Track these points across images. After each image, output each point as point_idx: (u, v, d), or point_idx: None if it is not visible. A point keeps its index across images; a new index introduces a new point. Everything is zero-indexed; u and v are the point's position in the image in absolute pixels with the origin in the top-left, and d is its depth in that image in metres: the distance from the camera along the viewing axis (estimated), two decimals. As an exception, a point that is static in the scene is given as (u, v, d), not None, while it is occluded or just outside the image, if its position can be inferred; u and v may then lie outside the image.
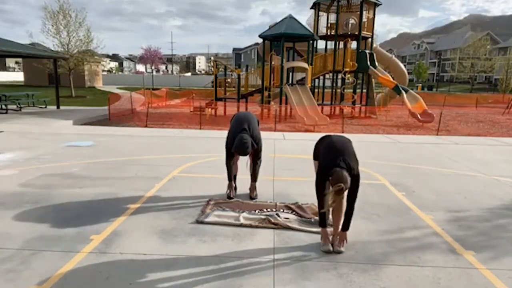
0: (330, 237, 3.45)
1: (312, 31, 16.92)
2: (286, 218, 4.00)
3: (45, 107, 16.78)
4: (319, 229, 3.60)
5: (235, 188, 4.86)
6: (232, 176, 4.74)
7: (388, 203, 4.73)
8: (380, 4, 17.88)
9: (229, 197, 4.70)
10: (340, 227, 3.43)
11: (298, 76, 17.50)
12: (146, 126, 12.29)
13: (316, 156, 3.70)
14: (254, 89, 16.75)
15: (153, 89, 26.87)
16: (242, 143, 4.27)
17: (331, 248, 3.35)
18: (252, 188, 4.80)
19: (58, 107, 16.75)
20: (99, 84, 41.09)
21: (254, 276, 2.92)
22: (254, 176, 4.79)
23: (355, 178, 3.21)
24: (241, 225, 3.85)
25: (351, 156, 3.30)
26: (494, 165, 7.12)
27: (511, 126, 15.87)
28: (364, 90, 18.67)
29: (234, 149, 4.36)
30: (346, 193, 3.24)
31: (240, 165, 4.92)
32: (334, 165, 3.16)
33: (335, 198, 3.07)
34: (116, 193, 4.83)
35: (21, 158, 6.65)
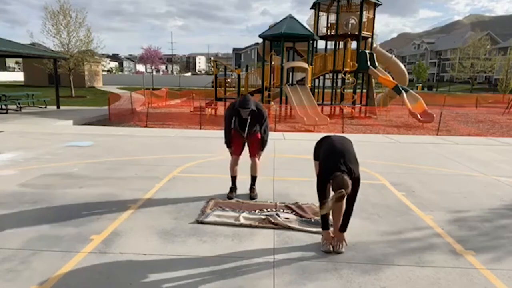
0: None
1: (312, 31, 16.93)
2: (286, 218, 4.00)
3: (45, 107, 16.79)
4: (319, 229, 3.60)
5: (235, 189, 4.87)
6: (230, 142, 4.80)
7: (388, 203, 4.73)
8: (380, 4, 17.89)
9: (229, 198, 4.71)
10: (338, 228, 3.42)
11: (298, 76, 17.50)
12: (146, 126, 12.30)
13: (316, 157, 3.68)
14: (254, 89, 16.76)
15: (153, 89, 26.91)
16: (245, 100, 4.49)
17: (331, 248, 3.35)
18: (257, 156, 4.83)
19: (58, 107, 16.76)
20: (99, 84, 41.07)
21: (254, 276, 2.92)
22: (258, 153, 4.85)
23: (356, 181, 3.19)
24: (241, 225, 3.85)
25: (352, 159, 3.28)
26: (494, 165, 7.12)
27: (511, 126, 15.88)
28: (364, 90, 18.68)
29: (237, 104, 4.50)
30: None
31: (240, 166, 4.91)
32: (336, 169, 3.13)
33: (336, 204, 3.06)
34: (116, 193, 4.83)
35: (21, 158, 6.65)
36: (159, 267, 3.01)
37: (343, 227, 3.38)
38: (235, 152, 4.85)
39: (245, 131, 4.69)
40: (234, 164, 4.87)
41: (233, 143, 4.83)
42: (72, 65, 24.84)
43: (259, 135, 4.82)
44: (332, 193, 3.09)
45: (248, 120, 4.62)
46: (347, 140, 3.53)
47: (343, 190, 2.98)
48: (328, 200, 3.12)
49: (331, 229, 3.54)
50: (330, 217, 3.57)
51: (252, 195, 4.78)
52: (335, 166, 3.16)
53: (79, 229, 3.68)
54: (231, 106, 4.72)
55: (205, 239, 3.55)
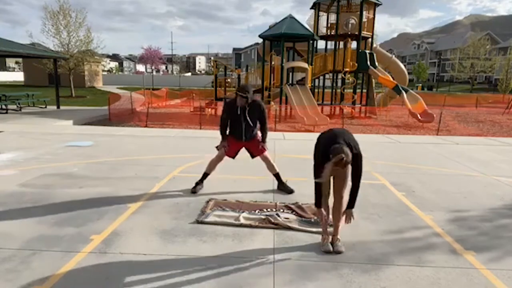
0: (329, 234, 3.40)
1: (312, 31, 16.93)
2: (286, 218, 4.00)
3: (45, 107, 16.79)
4: (319, 229, 3.59)
5: (200, 184, 5.00)
6: (224, 134, 4.89)
7: (388, 203, 4.73)
8: (380, 4, 17.90)
9: (192, 192, 4.84)
10: (345, 205, 3.35)
11: (298, 76, 17.51)
12: (146, 126, 12.30)
13: (316, 155, 3.59)
14: (254, 89, 16.72)
15: (153, 89, 26.92)
16: (245, 86, 4.60)
17: (331, 248, 3.34)
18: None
19: (58, 107, 16.76)
20: (99, 84, 41.10)
21: (254, 276, 2.92)
22: (263, 137, 4.91)
23: (357, 156, 3.11)
24: (241, 225, 3.85)
25: (351, 138, 3.21)
26: (494, 165, 7.12)
27: (511, 126, 15.88)
28: (364, 90, 18.68)
29: (237, 90, 4.59)
30: (348, 180, 3.25)
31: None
32: (334, 145, 3.04)
33: (334, 170, 2.98)
34: (116, 193, 4.83)
35: (21, 158, 6.64)
36: (159, 267, 3.01)
37: (351, 204, 3.31)
38: (229, 153, 4.90)
39: (241, 132, 4.71)
40: (217, 160, 4.94)
41: (230, 145, 4.87)
42: (72, 65, 24.85)
43: (258, 136, 4.87)
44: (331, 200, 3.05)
45: (246, 116, 4.64)
46: (346, 129, 3.48)
47: (342, 154, 2.90)
48: (327, 165, 2.98)
49: (330, 217, 3.49)
50: (331, 216, 3.56)
51: (288, 190, 4.92)
52: (334, 143, 3.05)
53: (79, 229, 3.68)
54: (225, 105, 4.81)
55: (205, 239, 3.55)
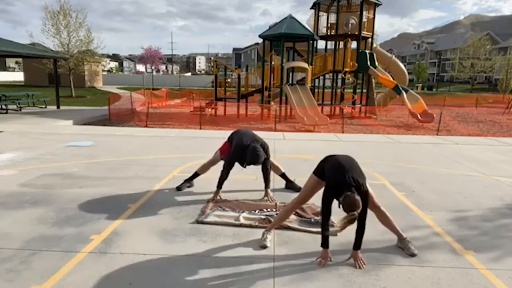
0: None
1: (312, 31, 16.93)
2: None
3: (45, 107, 16.80)
4: (319, 229, 3.57)
5: (189, 182, 5.10)
6: (222, 184, 4.67)
7: (388, 203, 4.71)
8: (380, 4, 17.90)
9: (178, 189, 4.97)
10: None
11: (298, 76, 17.51)
12: (146, 126, 12.30)
13: (318, 172, 3.53)
14: (254, 89, 16.77)
15: (153, 89, 26.91)
16: (256, 154, 4.29)
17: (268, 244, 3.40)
18: (266, 193, 4.72)
19: (58, 107, 16.77)
20: (99, 84, 41.10)
21: (254, 276, 2.92)
22: (266, 183, 4.72)
23: (365, 195, 3.09)
24: (241, 225, 3.85)
25: (359, 173, 3.18)
26: (494, 165, 7.12)
27: (511, 126, 15.88)
28: (364, 90, 18.68)
29: (249, 160, 4.32)
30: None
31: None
32: (344, 183, 3.03)
33: (348, 225, 2.95)
34: (116, 193, 4.83)
35: (21, 158, 6.65)
36: (159, 267, 3.01)
37: (358, 245, 3.23)
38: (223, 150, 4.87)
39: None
40: (210, 164, 4.94)
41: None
42: (72, 65, 24.85)
43: None
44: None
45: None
46: (351, 157, 3.44)
47: (355, 212, 2.88)
48: (341, 221, 2.99)
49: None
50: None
51: (297, 188, 4.90)
52: (343, 180, 3.05)
53: (79, 229, 3.68)
54: (237, 152, 4.46)
55: (205, 239, 3.55)
